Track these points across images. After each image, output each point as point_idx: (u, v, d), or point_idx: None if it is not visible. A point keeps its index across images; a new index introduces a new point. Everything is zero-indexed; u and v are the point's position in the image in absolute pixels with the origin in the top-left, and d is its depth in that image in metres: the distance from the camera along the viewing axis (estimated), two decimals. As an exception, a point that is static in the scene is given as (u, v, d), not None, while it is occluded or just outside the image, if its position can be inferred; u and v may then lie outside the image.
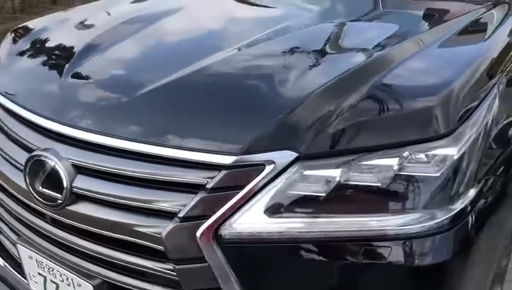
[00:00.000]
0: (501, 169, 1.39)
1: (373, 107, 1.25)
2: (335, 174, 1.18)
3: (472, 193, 1.22)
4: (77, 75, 1.53)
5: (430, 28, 1.85)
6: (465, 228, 1.20)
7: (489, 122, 1.33)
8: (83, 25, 2.06)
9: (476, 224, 1.24)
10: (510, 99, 1.53)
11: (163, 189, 1.24)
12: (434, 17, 2.01)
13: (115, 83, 1.48)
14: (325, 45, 1.65)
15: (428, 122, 1.20)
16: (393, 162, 1.17)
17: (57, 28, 2.05)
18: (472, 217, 1.22)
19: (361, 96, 1.26)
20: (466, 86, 1.34)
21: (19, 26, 2.34)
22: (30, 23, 2.29)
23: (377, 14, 2.08)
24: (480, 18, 1.88)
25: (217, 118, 1.28)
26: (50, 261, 1.46)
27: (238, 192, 1.18)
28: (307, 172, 1.19)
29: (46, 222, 1.45)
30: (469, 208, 1.20)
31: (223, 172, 1.19)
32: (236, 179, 1.19)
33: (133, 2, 2.44)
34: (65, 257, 1.42)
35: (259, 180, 1.18)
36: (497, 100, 1.39)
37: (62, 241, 1.41)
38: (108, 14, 2.24)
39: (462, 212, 1.19)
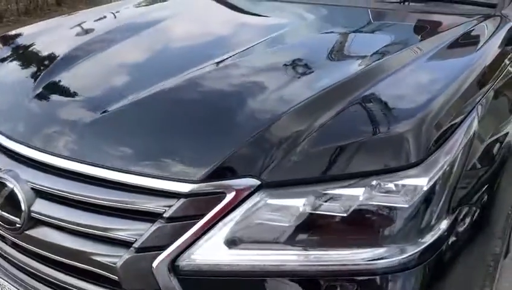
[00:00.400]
0: (480, 195, 1.31)
1: (340, 134, 1.18)
2: (299, 203, 1.12)
3: (445, 224, 1.15)
4: (41, 94, 1.48)
5: (418, 42, 1.78)
6: (436, 262, 1.13)
7: (467, 146, 1.25)
8: (65, 35, 2.01)
9: (450, 257, 1.18)
10: (492, 119, 1.46)
11: (121, 216, 1.19)
12: (423, 30, 1.94)
13: (74, 105, 1.42)
14: (303, 61, 1.58)
15: (399, 150, 1.14)
16: (360, 191, 1.11)
17: (40, 37, 2.00)
18: (445, 250, 1.15)
19: (329, 122, 1.20)
20: (443, 109, 1.27)
21: (5, 33, 2.31)
22: (17, 31, 2.26)
23: (366, 26, 2.02)
24: (470, 32, 1.80)
25: (175, 142, 1.22)
26: (12, 285, 1.41)
27: (197, 222, 1.12)
28: (270, 201, 1.13)
29: (8, 245, 1.40)
30: (441, 241, 1.14)
31: (181, 200, 1.14)
32: (195, 208, 1.13)
33: (137, 6, 2.40)
34: (26, 281, 1.37)
35: (219, 210, 1.12)
36: (476, 122, 1.31)
37: (23, 265, 1.37)
38: (97, 22, 2.20)
39: (433, 246, 1.12)
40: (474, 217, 1.28)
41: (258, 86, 1.38)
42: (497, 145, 1.44)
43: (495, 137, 1.44)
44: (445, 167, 1.16)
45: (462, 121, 1.29)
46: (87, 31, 2.03)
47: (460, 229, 1.21)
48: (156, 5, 2.48)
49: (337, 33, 1.93)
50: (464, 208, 1.23)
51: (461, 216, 1.22)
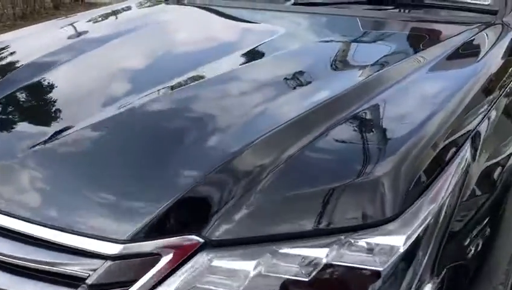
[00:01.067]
0: (476, 240, 1.10)
1: (301, 179, 0.99)
2: (250, 266, 0.92)
3: (429, 289, 0.95)
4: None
5: (414, 54, 1.60)
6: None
7: (458, 188, 1.05)
8: (30, 47, 1.82)
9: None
10: (493, 141, 1.26)
11: (39, 279, 0.99)
12: (420, 41, 1.75)
13: None
14: (278, 82, 1.38)
15: (373, 200, 0.94)
16: (325, 250, 0.91)
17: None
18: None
19: (289, 163, 1.00)
20: (431, 141, 1.08)
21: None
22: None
23: (359, 37, 1.82)
24: (470, 42, 1.60)
25: (101, 191, 1.03)
26: None
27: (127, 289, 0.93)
28: (216, 262, 0.93)
29: None
30: (423, 311, 0.93)
31: (108, 263, 0.94)
32: (124, 273, 0.94)
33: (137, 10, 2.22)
34: None
35: (154, 275, 0.93)
36: (469, 156, 1.11)
37: None
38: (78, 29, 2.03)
39: (413, 320, 0.92)
40: (469, 270, 1.08)
41: (210, 116, 1.19)
42: (499, 169, 1.24)
43: (496, 160, 1.24)
44: (428, 219, 0.96)
45: (452, 156, 1.08)
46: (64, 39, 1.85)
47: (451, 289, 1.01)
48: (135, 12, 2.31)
49: (327, 45, 1.74)
50: (454, 264, 1.02)
51: (451, 274, 1.01)
